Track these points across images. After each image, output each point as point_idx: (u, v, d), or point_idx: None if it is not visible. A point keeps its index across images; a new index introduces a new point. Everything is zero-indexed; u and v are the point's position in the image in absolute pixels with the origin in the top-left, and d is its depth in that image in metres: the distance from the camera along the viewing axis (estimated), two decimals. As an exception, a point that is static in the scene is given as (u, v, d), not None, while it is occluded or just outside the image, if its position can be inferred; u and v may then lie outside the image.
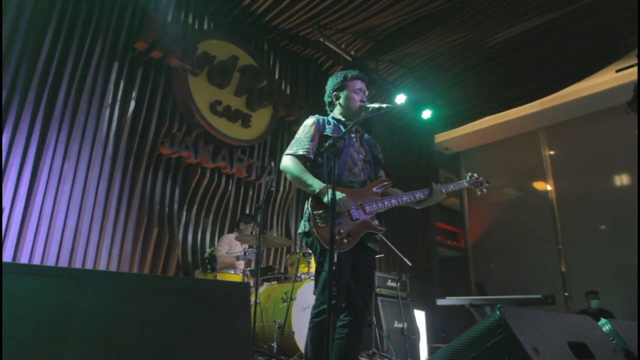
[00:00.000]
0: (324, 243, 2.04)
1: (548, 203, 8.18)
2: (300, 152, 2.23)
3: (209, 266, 4.14)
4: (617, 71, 6.56)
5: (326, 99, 2.52)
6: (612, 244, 7.15)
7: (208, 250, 4.73)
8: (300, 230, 2.26)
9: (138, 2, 4.69)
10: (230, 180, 5.18)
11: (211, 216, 5.01)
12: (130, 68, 4.54)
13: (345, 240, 2.04)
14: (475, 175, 2.60)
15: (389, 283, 5.00)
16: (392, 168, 7.67)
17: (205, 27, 5.31)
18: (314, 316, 2.05)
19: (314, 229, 2.07)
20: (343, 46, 5.97)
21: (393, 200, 2.24)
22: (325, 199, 2.05)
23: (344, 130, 2.32)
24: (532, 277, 7.90)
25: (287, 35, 5.89)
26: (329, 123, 2.36)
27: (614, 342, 2.00)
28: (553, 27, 5.48)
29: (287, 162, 2.24)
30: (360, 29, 5.70)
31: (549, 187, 8.27)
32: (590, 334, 1.86)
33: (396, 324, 4.73)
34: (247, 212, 5.31)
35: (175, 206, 4.69)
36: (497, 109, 7.43)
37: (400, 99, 6.31)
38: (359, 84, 2.42)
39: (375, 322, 4.54)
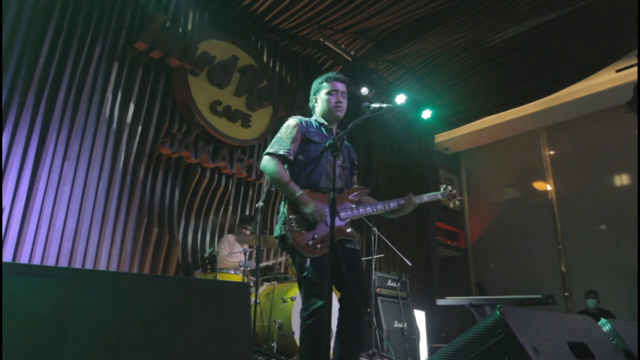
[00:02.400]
0: (299, 248, 2.05)
1: (548, 203, 8.18)
2: (281, 152, 2.22)
3: (209, 266, 4.14)
4: (617, 71, 6.56)
5: (310, 102, 2.54)
6: (612, 244, 7.15)
7: (208, 250, 4.72)
8: (275, 233, 2.25)
9: (138, 2, 4.69)
10: (230, 180, 5.18)
11: (211, 216, 5.01)
12: (130, 68, 4.54)
13: (318, 246, 2.06)
14: (449, 187, 2.64)
15: (389, 283, 5.00)
16: (392, 168, 7.67)
17: (205, 27, 5.31)
18: (305, 319, 2.03)
19: (289, 233, 2.08)
20: (343, 46, 5.97)
21: (368, 208, 2.26)
22: (308, 210, 2.07)
23: (325, 132, 2.35)
24: (532, 277, 7.90)
25: (287, 35, 5.89)
26: (311, 126, 2.37)
27: (614, 342, 2.00)
28: (553, 27, 5.47)
29: (268, 162, 2.22)
30: (360, 29, 5.70)
31: (549, 187, 8.27)
32: (590, 334, 1.86)
33: (396, 324, 4.73)
34: (247, 212, 5.31)
35: (175, 206, 4.69)
36: (497, 109, 7.43)
37: (400, 99, 6.31)
38: (336, 86, 2.40)
39: (375, 322, 4.54)
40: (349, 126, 2.24)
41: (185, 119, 4.83)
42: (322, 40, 5.87)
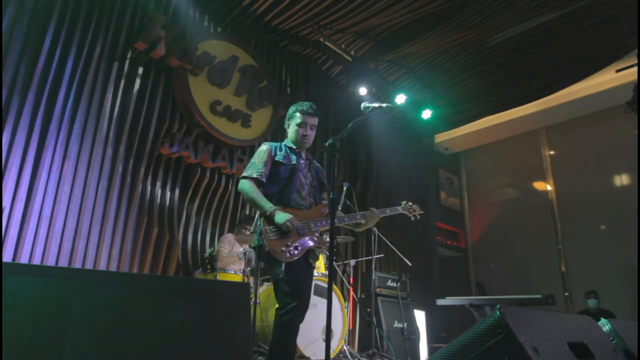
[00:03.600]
0: (274, 254, 2.28)
1: (548, 203, 8.18)
2: (255, 175, 2.49)
3: (209, 266, 4.14)
4: (617, 71, 6.56)
5: (285, 124, 2.75)
6: (612, 244, 7.14)
7: (208, 250, 4.73)
8: (253, 244, 2.49)
9: (138, 2, 4.69)
10: (230, 180, 5.18)
11: (211, 216, 5.01)
12: (130, 68, 4.54)
13: (292, 252, 2.31)
14: (410, 203, 2.95)
15: (389, 283, 5.00)
16: (393, 168, 7.67)
17: (205, 27, 5.31)
18: (282, 315, 2.25)
19: (265, 241, 2.31)
20: (343, 46, 5.97)
21: (335, 220, 2.47)
22: (277, 219, 2.32)
23: (293, 156, 2.60)
24: (532, 277, 7.90)
25: (287, 35, 5.89)
26: (280, 149, 2.61)
27: (614, 342, 2.00)
28: (553, 27, 5.47)
29: (244, 185, 2.49)
30: (360, 29, 5.70)
31: (549, 187, 8.27)
32: (590, 334, 1.86)
33: (396, 324, 4.74)
34: (247, 212, 5.31)
35: (175, 206, 4.69)
36: (497, 109, 7.43)
37: (400, 99, 6.31)
38: (306, 119, 2.62)
39: (375, 322, 4.55)
40: (349, 125, 2.27)
41: (185, 119, 4.83)
42: (322, 40, 5.87)
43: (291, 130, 2.66)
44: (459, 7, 5.14)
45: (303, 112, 2.62)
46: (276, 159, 2.55)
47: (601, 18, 5.31)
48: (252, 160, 2.58)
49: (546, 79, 6.55)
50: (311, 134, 2.63)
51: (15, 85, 3.72)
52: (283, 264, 2.28)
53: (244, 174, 2.53)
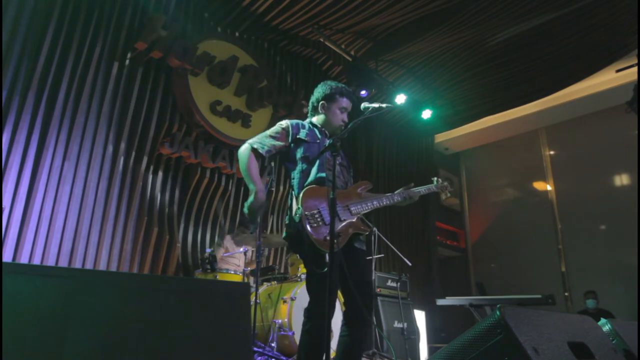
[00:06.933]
0: (318, 244, 2.03)
1: (548, 203, 8.18)
2: (256, 146, 2.29)
3: (209, 266, 4.14)
4: (617, 71, 6.56)
5: (312, 102, 2.51)
6: (612, 244, 7.15)
7: (208, 250, 4.72)
8: (284, 234, 2.25)
9: (138, 2, 4.69)
10: (230, 180, 5.18)
11: (211, 216, 5.01)
12: (130, 68, 4.54)
13: (335, 241, 2.04)
14: (440, 180, 2.82)
15: (389, 283, 4.99)
16: (392, 168, 7.67)
17: (205, 27, 5.31)
18: (308, 319, 2.04)
19: (308, 229, 2.06)
20: (343, 46, 5.96)
21: (375, 202, 2.32)
22: (253, 203, 2.12)
23: (318, 134, 2.38)
24: (532, 277, 7.90)
25: (287, 35, 5.89)
26: (303, 127, 2.39)
27: (614, 342, 2.00)
28: (553, 28, 5.47)
29: (244, 151, 2.31)
30: (360, 29, 5.70)
31: (549, 187, 8.27)
32: (590, 334, 1.86)
33: (396, 324, 4.73)
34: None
35: (175, 206, 4.69)
36: (497, 109, 7.43)
37: (400, 99, 6.31)
38: (348, 104, 2.44)
39: (375, 322, 4.55)
40: (349, 125, 2.25)
41: (185, 119, 4.83)
42: (322, 40, 5.87)
43: (329, 113, 2.42)
44: (459, 7, 5.14)
45: (346, 95, 2.40)
46: (298, 136, 2.33)
47: (601, 18, 5.31)
48: (265, 131, 2.38)
49: (546, 79, 6.55)
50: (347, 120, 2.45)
51: (16, 85, 3.72)
52: (326, 256, 2.01)
53: (250, 141, 2.33)
